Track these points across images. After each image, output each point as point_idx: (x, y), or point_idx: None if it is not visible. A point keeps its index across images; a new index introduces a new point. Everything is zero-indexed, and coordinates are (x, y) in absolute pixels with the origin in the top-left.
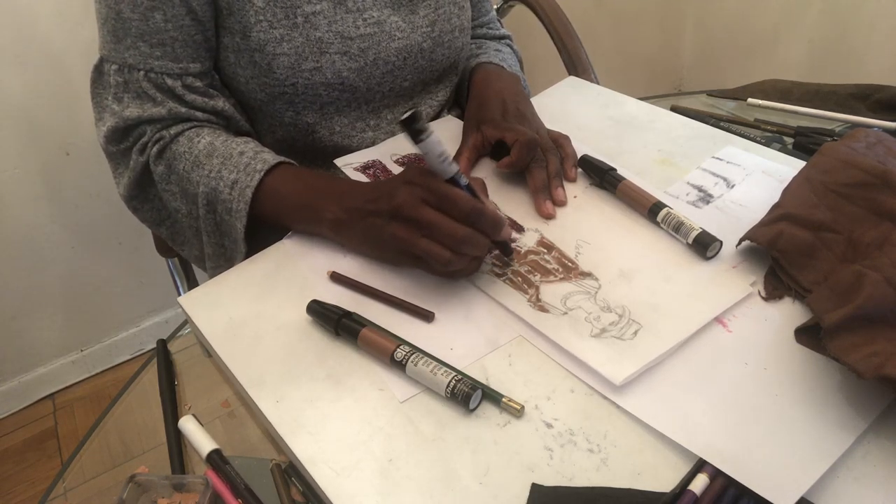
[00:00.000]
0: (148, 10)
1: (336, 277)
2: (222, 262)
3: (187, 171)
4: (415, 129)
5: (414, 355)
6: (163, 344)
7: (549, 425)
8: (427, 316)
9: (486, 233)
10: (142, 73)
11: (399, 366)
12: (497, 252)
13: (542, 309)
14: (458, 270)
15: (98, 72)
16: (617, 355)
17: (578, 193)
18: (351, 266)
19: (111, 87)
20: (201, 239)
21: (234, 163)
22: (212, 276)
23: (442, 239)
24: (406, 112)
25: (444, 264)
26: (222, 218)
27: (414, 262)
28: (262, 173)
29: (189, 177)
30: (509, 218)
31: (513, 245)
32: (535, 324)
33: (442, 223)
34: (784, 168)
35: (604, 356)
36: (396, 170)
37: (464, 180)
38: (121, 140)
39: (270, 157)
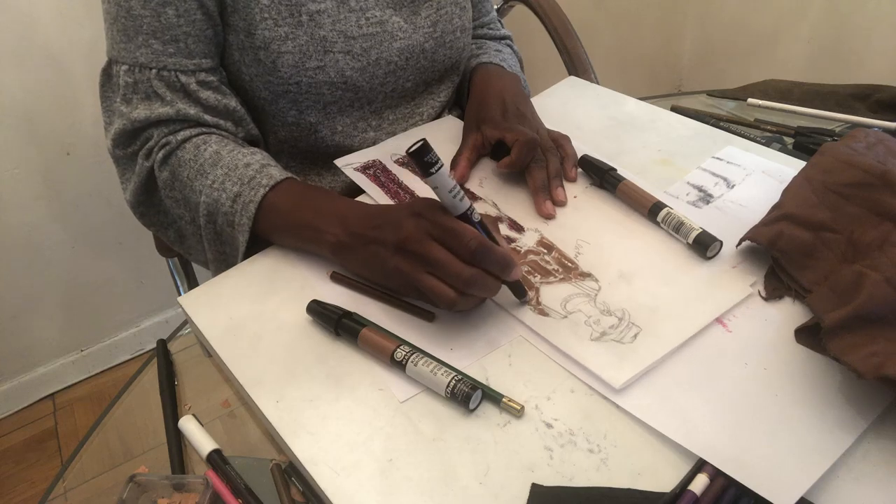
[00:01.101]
0: (159, 6)
1: (336, 277)
2: (224, 268)
3: (191, 179)
4: (425, 162)
5: (414, 355)
6: (163, 344)
7: (549, 425)
8: (427, 315)
9: (494, 273)
10: (154, 71)
11: (399, 366)
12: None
13: (543, 312)
14: (463, 308)
15: (106, 75)
16: (617, 359)
17: (578, 193)
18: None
19: (120, 88)
20: (203, 244)
21: (239, 175)
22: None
23: (447, 278)
24: (415, 144)
25: (449, 305)
26: (223, 229)
27: (417, 294)
28: (267, 188)
29: (192, 185)
30: (509, 218)
31: (512, 246)
32: (535, 327)
33: (448, 262)
34: (784, 168)
35: (604, 360)
36: (396, 170)
37: (476, 216)
38: (128, 144)
39: (277, 173)
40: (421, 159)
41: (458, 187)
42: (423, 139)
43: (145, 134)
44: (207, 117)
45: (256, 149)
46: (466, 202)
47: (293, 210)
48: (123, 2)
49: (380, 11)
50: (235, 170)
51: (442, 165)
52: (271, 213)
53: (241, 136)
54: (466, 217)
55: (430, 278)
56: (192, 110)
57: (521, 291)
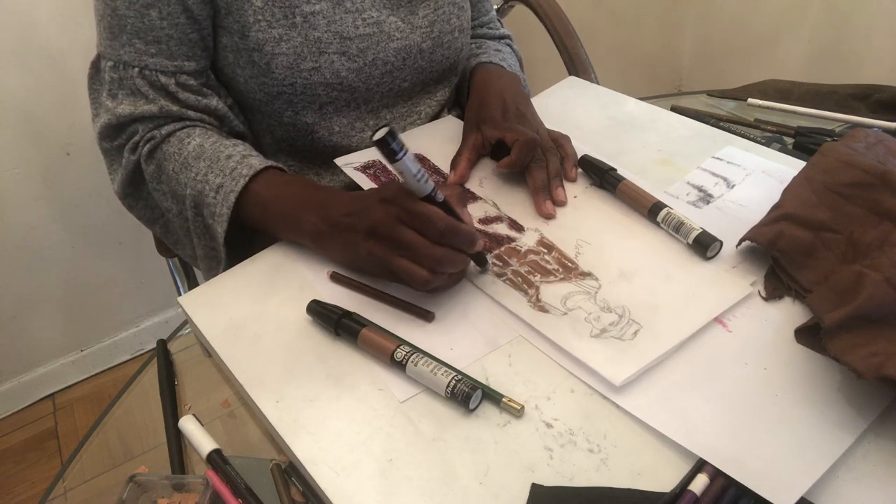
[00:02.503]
0: (143, 8)
1: (336, 277)
2: (213, 263)
3: (176, 173)
4: (390, 149)
5: (414, 355)
6: (163, 344)
7: (549, 425)
8: (427, 315)
9: (461, 249)
10: (136, 70)
11: (399, 366)
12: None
13: (542, 309)
14: (437, 287)
15: (95, 68)
16: (617, 356)
17: (578, 193)
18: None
19: (106, 83)
20: (192, 240)
21: (221, 166)
22: (206, 277)
23: (419, 259)
24: (379, 129)
25: (423, 283)
26: (208, 222)
27: (392, 277)
28: (247, 178)
29: (178, 178)
30: (509, 218)
31: (513, 245)
32: (534, 324)
33: (418, 244)
34: (784, 168)
35: (603, 357)
36: None
37: (440, 196)
38: (114, 137)
39: (257, 162)
40: (387, 147)
41: (423, 171)
42: (389, 125)
43: (130, 128)
44: (191, 113)
45: (239, 140)
46: (430, 184)
47: (274, 199)
48: (110, 1)
49: (376, 12)
50: (217, 161)
51: (407, 151)
52: (253, 203)
53: (226, 132)
54: (431, 198)
55: (402, 260)
56: (174, 107)
57: (482, 260)
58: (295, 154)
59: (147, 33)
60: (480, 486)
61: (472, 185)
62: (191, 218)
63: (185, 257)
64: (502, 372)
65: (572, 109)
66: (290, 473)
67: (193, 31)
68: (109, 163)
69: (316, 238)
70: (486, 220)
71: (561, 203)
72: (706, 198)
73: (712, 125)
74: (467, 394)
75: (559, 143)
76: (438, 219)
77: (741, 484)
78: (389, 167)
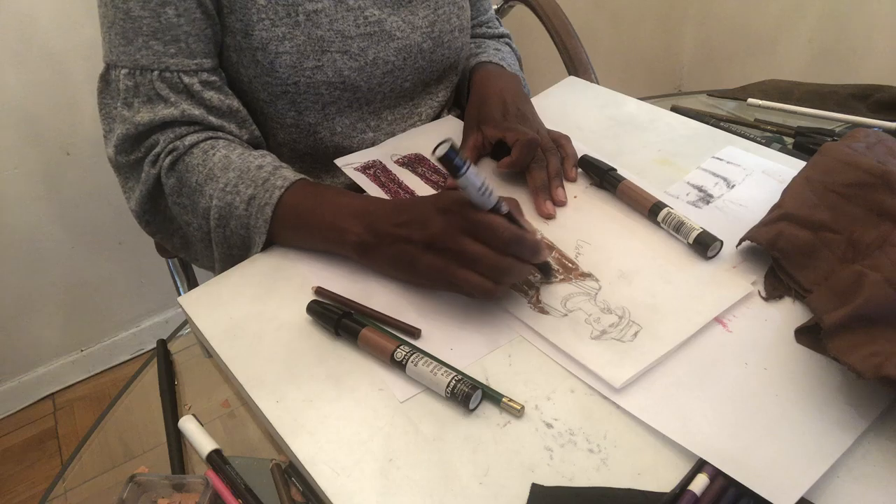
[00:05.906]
0: (159, 6)
1: (321, 292)
2: (230, 268)
3: (200, 184)
4: (454, 165)
5: (414, 355)
6: (163, 344)
7: (549, 425)
8: (415, 332)
9: (527, 259)
10: (156, 73)
11: (399, 366)
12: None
13: (543, 311)
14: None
15: (104, 81)
16: (617, 358)
17: (578, 193)
18: (345, 270)
19: (120, 93)
20: (212, 249)
21: (252, 177)
22: None
23: (484, 271)
24: (440, 145)
25: (487, 295)
26: (234, 232)
27: (449, 287)
28: (283, 190)
29: (202, 189)
30: None
31: None
32: (535, 326)
33: (484, 255)
34: (784, 168)
35: (604, 359)
36: (396, 170)
37: (504, 207)
38: (131, 150)
39: (290, 174)
40: (451, 163)
41: (487, 183)
42: (450, 140)
43: (150, 139)
44: (212, 118)
45: (265, 151)
46: (495, 196)
47: (311, 211)
48: (122, 3)
49: (378, 11)
50: (248, 172)
51: (470, 165)
52: (287, 214)
53: (245, 139)
54: (495, 210)
55: (466, 272)
56: (196, 111)
57: (548, 272)
58: (295, 157)
59: (164, 33)
60: (480, 486)
61: None
62: (212, 228)
63: (205, 268)
64: (502, 372)
65: (572, 109)
66: (290, 473)
67: (208, 27)
68: (125, 181)
69: (361, 249)
70: None
71: (561, 203)
72: (706, 198)
73: (712, 125)
74: (467, 394)
75: (559, 143)
76: (504, 228)
77: (741, 484)
78: (456, 182)
